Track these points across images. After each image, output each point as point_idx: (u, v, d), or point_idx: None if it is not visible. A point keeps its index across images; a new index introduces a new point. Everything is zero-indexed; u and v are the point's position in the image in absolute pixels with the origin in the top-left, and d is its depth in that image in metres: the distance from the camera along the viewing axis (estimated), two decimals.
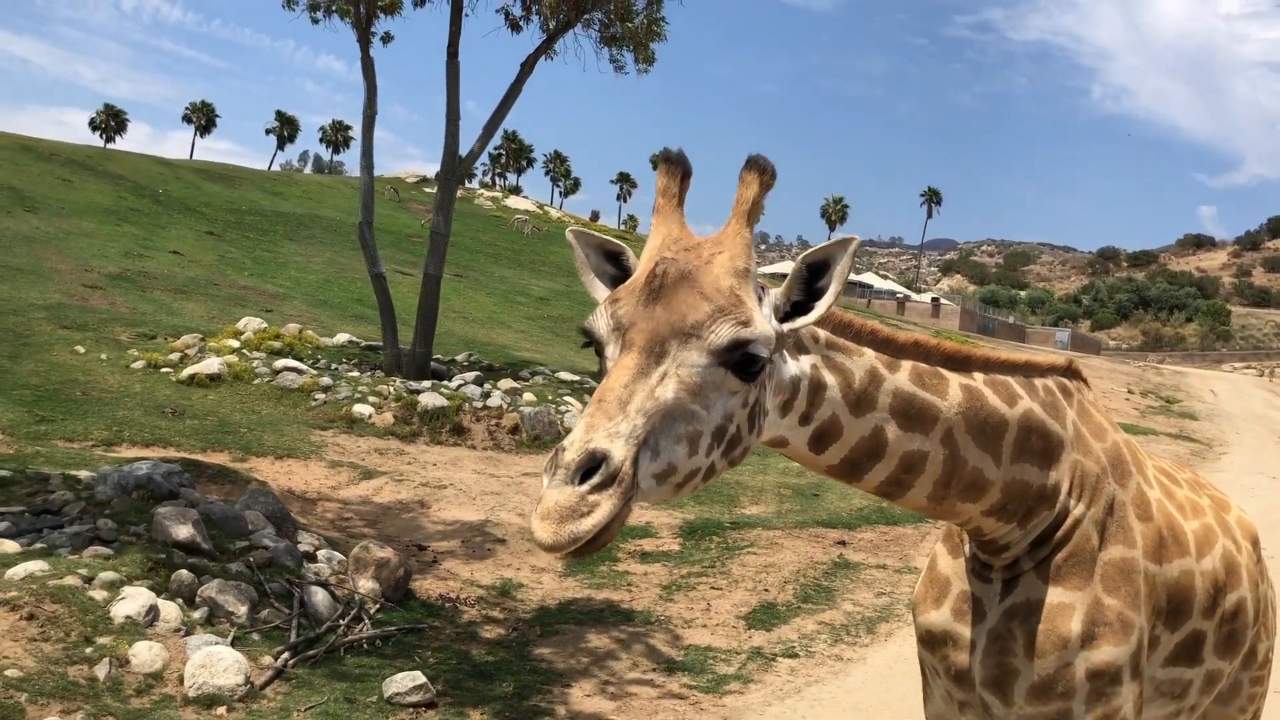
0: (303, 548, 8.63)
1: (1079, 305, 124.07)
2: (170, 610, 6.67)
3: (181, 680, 6.11)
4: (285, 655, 6.76)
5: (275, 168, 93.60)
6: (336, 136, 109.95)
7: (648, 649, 8.05)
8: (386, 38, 21.07)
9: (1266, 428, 29.69)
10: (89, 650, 6.05)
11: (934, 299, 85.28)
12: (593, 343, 2.26)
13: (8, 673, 5.59)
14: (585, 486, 1.91)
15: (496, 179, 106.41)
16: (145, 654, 6.14)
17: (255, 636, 6.98)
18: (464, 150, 19.61)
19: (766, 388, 2.27)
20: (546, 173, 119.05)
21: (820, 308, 2.26)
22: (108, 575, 6.76)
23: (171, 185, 44.68)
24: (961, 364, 2.69)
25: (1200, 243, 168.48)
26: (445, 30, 19.57)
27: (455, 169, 19.57)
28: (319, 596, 7.73)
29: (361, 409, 15.14)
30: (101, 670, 5.91)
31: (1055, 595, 2.70)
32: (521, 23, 20.63)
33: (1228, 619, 3.09)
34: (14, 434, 11.85)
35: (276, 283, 29.29)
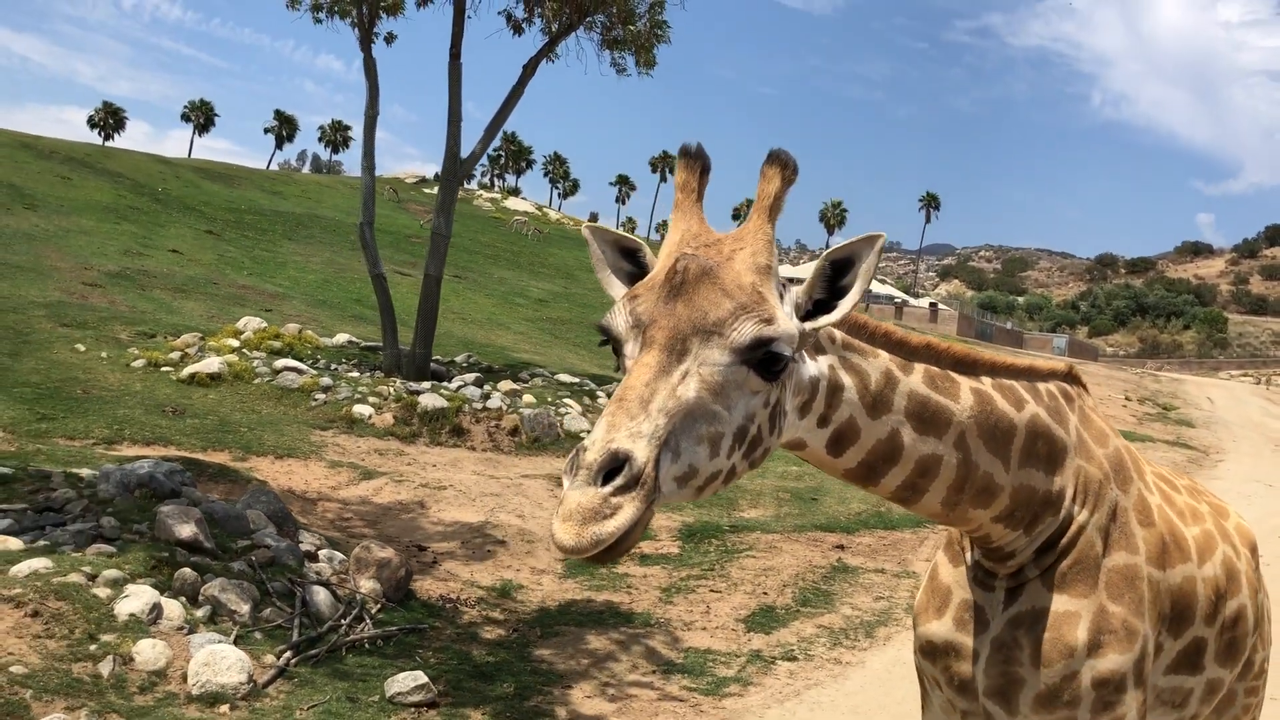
0: (304, 547, 8.65)
1: (1077, 311, 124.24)
2: (173, 608, 6.69)
3: (185, 678, 6.13)
4: (288, 654, 6.79)
5: (274, 167, 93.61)
6: (336, 136, 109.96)
7: (647, 651, 8.08)
8: (390, 38, 21.10)
9: (1263, 435, 29.76)
10: (93, 647, 6.07)
11: (932, 304, 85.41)
12: (610, 340, 2.21)
13: (12, 669, 5.61)
14: (608, 488, 1.87)
15: (495, 180, 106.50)
16: (149, 652, 6.16)
17: (257, 635, 7.01)
18: (464, 152, 19.65)
19: (787, 388, 2.23)
20: (545, 174, 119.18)
21: (844, 306, 2.23)
22: (111, 573, 6.79)
23: (171, 184, 44.69)
24: (970, 367, 2.67)
25: (1198, 250, 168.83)
26: (446, 31, 19.63)
27: (457, 170, 19.60)
28: (320, 596, 7.76)
29: (361, 409, 15.17)
30: (105, 667, 5.94)
31: (1061, 603, 2.67)
32: (524, 25, 20.67)
33: (1228, 626, 3.07)
34: (15, 431, 11.87)
35: (275, 282, 29.32)
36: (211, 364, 15.99)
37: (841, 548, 11.75)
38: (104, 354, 16.40)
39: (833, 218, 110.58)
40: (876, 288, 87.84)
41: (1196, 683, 3.01)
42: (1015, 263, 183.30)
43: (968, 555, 2.88)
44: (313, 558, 8.59)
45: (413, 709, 6.39)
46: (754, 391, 2.12)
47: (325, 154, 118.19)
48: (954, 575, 2.92)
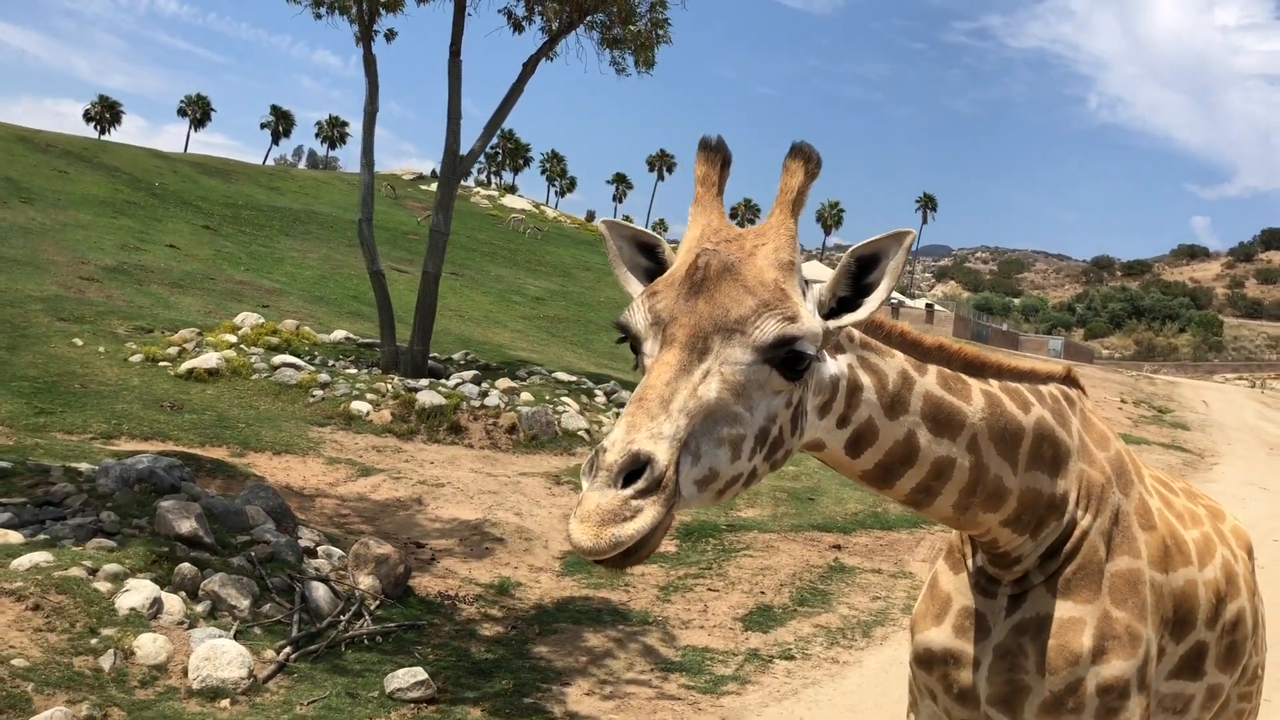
0: (303, 543, 8.66)
1: (1072, 313, 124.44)
2: (174, 603, 6.71)
3: (185, 672, 6.15)
4: (287, 649, 6.80)
5: (270, 162, 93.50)
6: (333, 132, 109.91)
7: (645, 649, 8.10)
8: (390, 35, 21.11)
9: (1258, 439, 29.84)
10: (94, 641, 6.09)
11: (928, 305, 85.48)
12: (628, 338, 2.17)
13: (14, 662, 5.63)
14: (629, 490, 1.82)
15: (492, 178, 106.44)
16: (150, 646, 6.18)
17: (257, 630, 7.02)
18: (463, 149, 19.65)
19: (809, 387, 2.19)
20: (543, 172, 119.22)
21: (870, 305, 2.19)
22: (112, 567, 6.80)
23: (168, 178, 44.63)
24: (979, 369, 2.64)
25: (1194, 253, 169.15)
26: (443, 28, 19.67)
27: (456, 168, 19.61)
28: (320, 592, 7.78)
29: (359, 406, 15.17)
30: (106, 661, 5.95)
31: (1065, 609, 2.65)
32: (524, 23, 20.68)
33: (1228, 630, 3.06)
34: (13, 425, 11.86)
35: (273, 278, 29.30)
36: (209, 359, 15.99)
37: (838, 548, 11.78)
38: (101, 349, 16.39)
39: (830, 218, 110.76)
40: None
41: (1198, 688, 2.99)
42: (1011, 264, 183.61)
43: (969, 561, 2.86)
44: (311, 554, 8.60)
45: (412, 705, 6.41)
46: (776, 391, 2.07)
47: (322, 150, 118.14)
48: (954, 582, 2.89)
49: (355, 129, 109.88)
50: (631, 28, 20.12)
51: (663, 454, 1.86)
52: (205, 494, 8.88)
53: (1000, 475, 2.58)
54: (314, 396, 15.45)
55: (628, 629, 8.51)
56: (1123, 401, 34.52)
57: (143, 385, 14.89)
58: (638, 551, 1.84)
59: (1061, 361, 3.49)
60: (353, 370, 17.52)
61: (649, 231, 2.39)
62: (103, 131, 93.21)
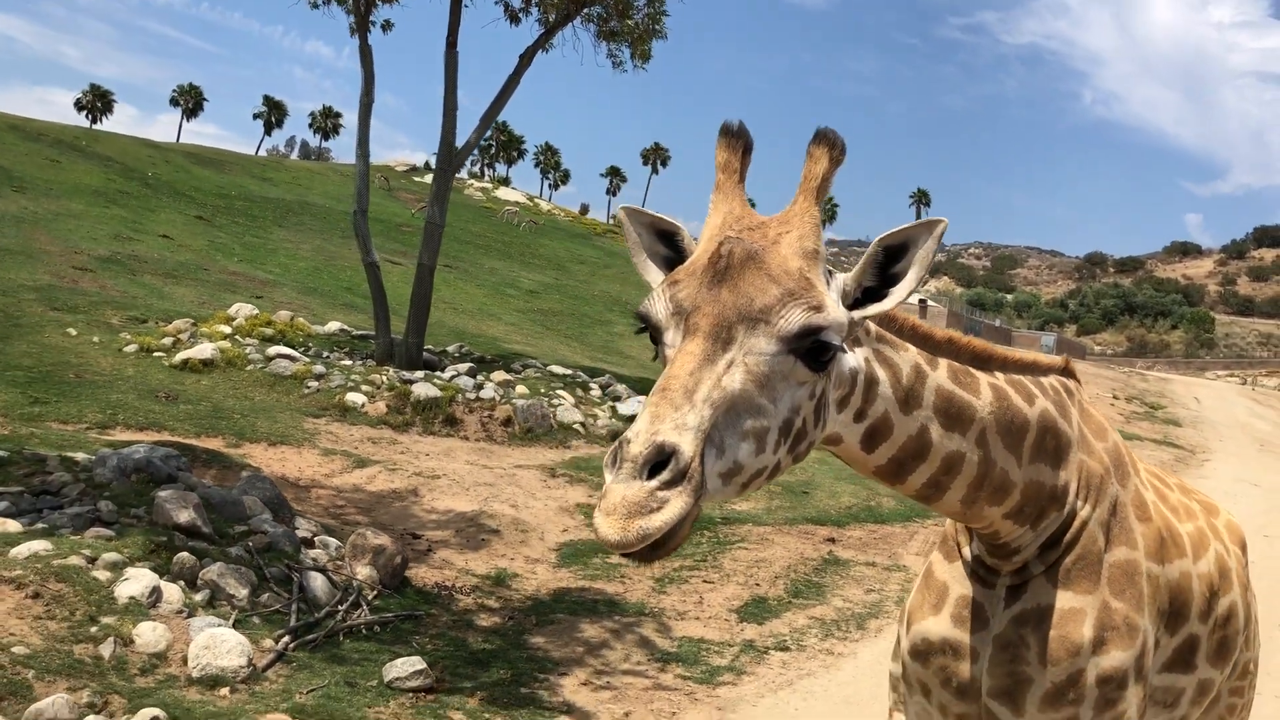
0: (300, 534, 8.69)
1: (1065, 310, 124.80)
2: (172, 592, 6.73)
3: (185, 660, 6.17)
4: (286, 639, 6.83)
5: (262, 153, 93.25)
6: (326, 123, 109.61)
7: (641, 640, 8.14)
8: (386, 25, 21.07)
9: (1249, 435, 29.99)
10: (94, 629, 6.11)
11: (921, 300, 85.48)
12: (649, 328, 2.13)
13: (14, 650, 5.64)
14: (654, 482, 1.79)
15: (486, 170, 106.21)
16: (149, 634, 6.20)
17: (255, 620, 7.05)
18: (459, 141, 19.63)
19: (831, 379, 2.14)
20: (536, 164, 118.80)
21: (897, 295, 2.14)
22: (110, 556, 6.82)
23: (160, 168, 44.47)
24: (985, 363, 2.62)
25: (1187, 250, 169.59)
26: (438, 19, 19.71)
27: (452, 160, 19.59)
28: (317, 582, 7.80)
29: (354, 397, 15.18)
30: (106, 649, 5.97)
31: (1066, 600, 2.64)
32: (520, 15, 20.66)
33: (1221, 624, 3.05)
34: (8, 415, 11.86)
35: (266, 269, 29.25)
36: (204, 350, 15.98)
37: (832, 540, 11.84)
38: (95, 338, 16.36)
39: (823, 213, 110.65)
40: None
41: (1189, 682, 2.99)
42: (1005, 260, 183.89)
43: (965, 551, 2.84)
44: (309, 544, 8.63)
45: (411, 694, 6.44)
46: (800, 383, 2.04)
47: (314, 140, 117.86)
48: (950, 572, 2.86)
49: (349, 120, 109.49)
50: (629, 21, 20.11)
51: (688, 445, 1.83)
52: (202, 484, 8.90)
53: (1006, 469, 2.57)
54: (309, 388, 15.46)
55: (624, 620, 8.54)
56: (1115, 398, 34.64)
57: (137, 375, 14.88)
58: (666, 543, 1.81)
59: (1060, 355, 3.44)
60: (347, 362, 17.51)
61: (669, 219, 2.35)
62: (94, 121, 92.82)
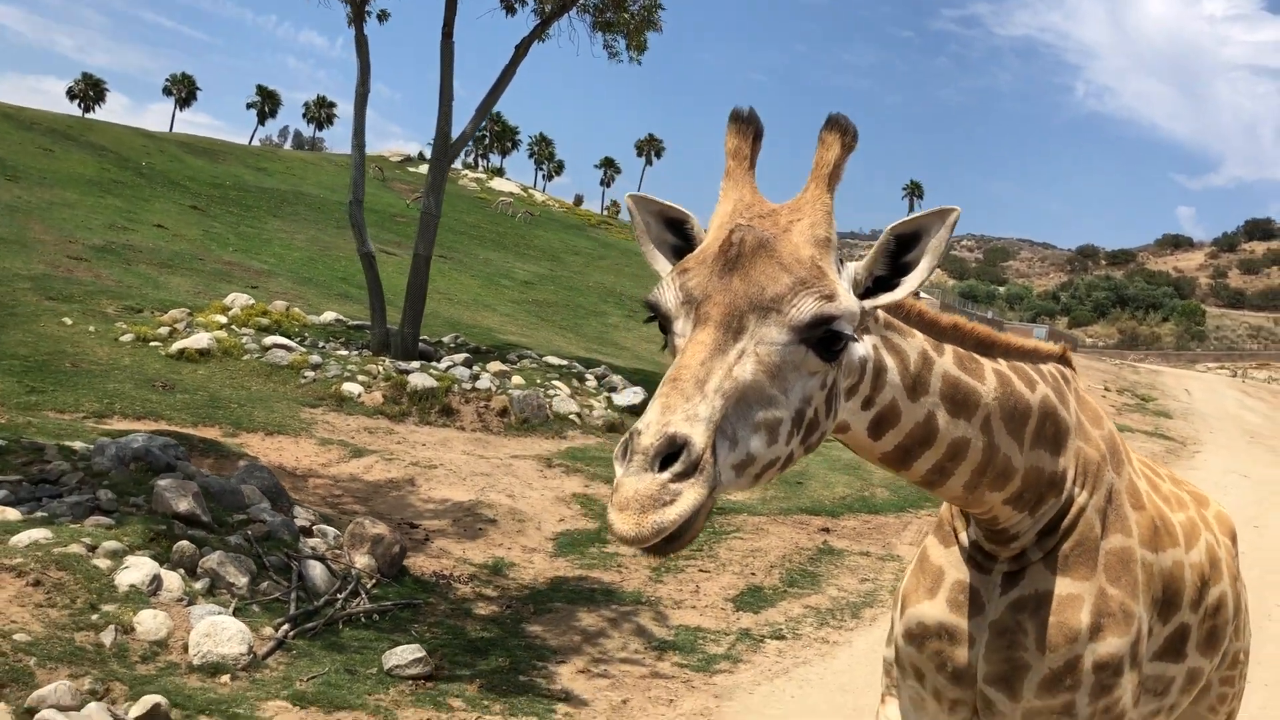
0: (298, 523, 8.73)
1: (1057, 302, 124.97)
2: (173, 580, 6.77)
3: (186, 648, 6.22)
4: (285, 627, 6.87)
5: (256, 143, 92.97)
6: (320, 113, 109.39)
7: (638, 628, 8.20)
8: (383, 16, 21.03)
9: (1239, 427, 30.16)
10: (95, 617, 6.14)
11: (913, 293, 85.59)
12: (658, 317, 2.10)
13: (16, 637, 5.68)
14: (667, 474, 1.77)
15: (480, 160, 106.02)
16: (150, 622, 6.24)
17: (255, 608, 7.09)
18: (454, 132, 19.61)
19: (842, 368, 2.12)
20: (531, 155, 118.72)
21: (909, 284, 2.13)
22: (110, 544, 6.85)
23: (154, 158, 44.35)
24: (989, 348, 2.61)
25: (1178, 243, 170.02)
26: (433, 10, 19.65)
27: (448, 151, 19.58)
28: (316, 570, 7.84)
29: (351, 388, 15.20)
30: (107, 637, 6.01)
31: (1064, 586, 2.64)
32: (516, 5, 20.63)
33: (1210, 614, 3.07)
34: (4, 404, 11.85)
35: (261, 259, 29.20)
36: (200, 340, 15.98)
37: (827, 530, 11.92)
38: (91, 328, 16.35)
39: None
40: None
41: (1178, 671, 3.00)
42: (997, 252, 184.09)
43: (961, 536, 2.84)
44: (307, 533, 8.67)
45: (410, 681, 6.49)
46: (812, 373, 2.02)
47: (308, 130, 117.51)
48: (946, 557, 2.86)
49: (342, 110, 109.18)
50: (625, 13, 20.10)
51: (699, 436, 1.81)
52: (200, 473, 8.92)
53: (1009, 455, 2.57)
54: (305, 378, 15.48)
55: (620, 609, 8.60)
56: (1106, 390, 34.79)
57: (134, 365, 14.88)
58: (682, 536, 1.80)
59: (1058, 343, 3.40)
60: (343, 352, 17.53)
61: (678, 206, 2.32)
62: (87, 110, 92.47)
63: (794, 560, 10.48)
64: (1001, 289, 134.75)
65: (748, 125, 2.15)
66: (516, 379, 16.91)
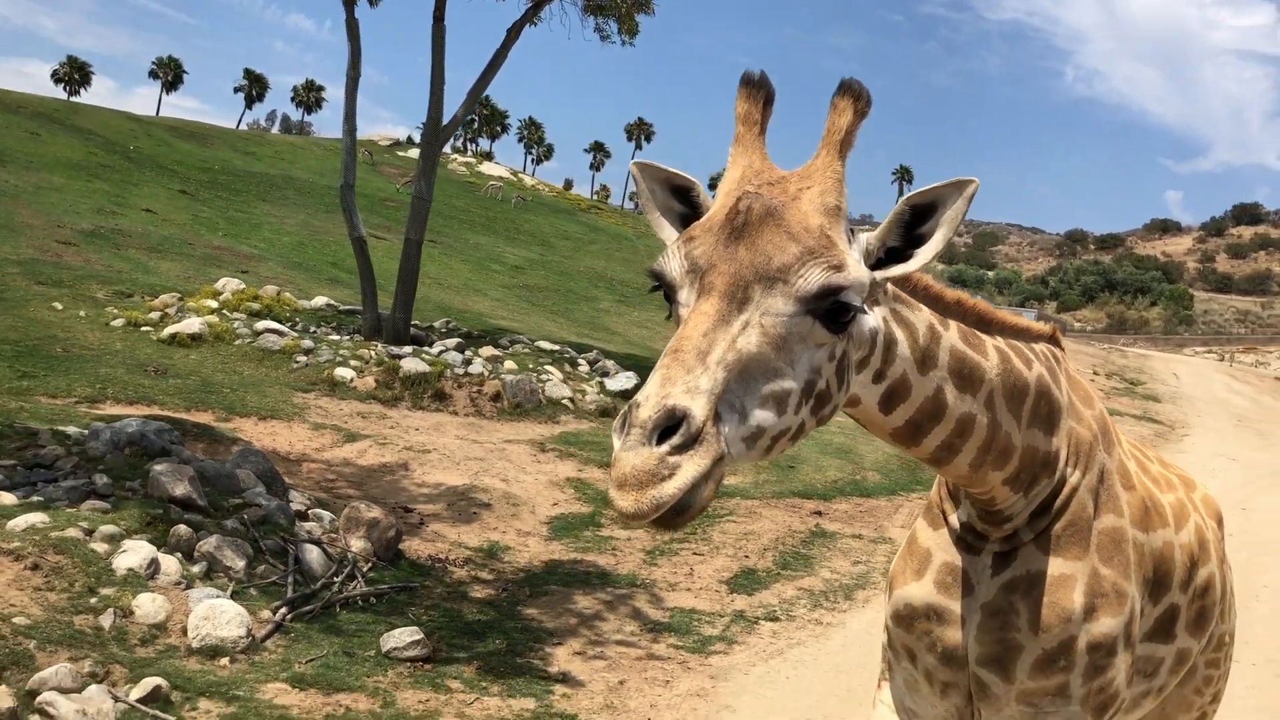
0: (294, 507, 8.74)
1: (1046, 286, 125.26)
2: (170, 564, 6.79)
3: (185, 631, 6.24)
4: (283, 610, 6.90)
5: (243, 127, 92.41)
6: (309, 97, 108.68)
7: (633, 611, 8.26)
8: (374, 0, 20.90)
9: (1226, 411, 30.37)
10: (93, 600, 6.16)
11: None
12: (662, 286, 2.05)
13: (15, 620, 5.70)
14: (664, 447, 1.74)
15: (469, 145, 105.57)
16: (148, 605, 6.26)
17: (253, 591, 7.11)
18: (445, 116, 19.54)
19: (852, 340, 2.08)
20: (520, 139, 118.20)
21: (922, 256, 2.07)
22: (108, 529, 6.86)
23: (142, 142, 44.06)
24: (988, 325, 2.59)
25: (1166, 227, 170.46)
26: None
27: (439, 135, 19.52)
28: (313, 554, 7.87)
29: (343, 372, 15.19)
30: (106, 620, 6.03)
31: (1056, 566, 2.62)
32: None
33: (1199, 594, 3.08)
34: None
35: (251, 244, 29.09)
36: (192, 324, 15.95)
37: (819, 514, 11.99)
38: (82, 313, 16.29)
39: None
40: None
41: (1168, 651, 3.00)
42: (986, 237, 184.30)
43: (950, 518, 2.81)
44: (303, 517, 8.69)
45: (408, 663, 6.53)
46: (819, 345, 1.98)
47: (296, 114, 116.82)
48: (935, 538, 2.84)
49: (331, 94, 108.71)
50: None
51: (699, 408, 1.77)
52: (195, 458, 8.93)
53: (1010, 432, 2.54)
54: (298, 362, 15.46)
55: (616, 591, 8.66)
56: (1095, 373, 34.95)
57: (126, 350, 14.84)
58: (687, 509, 1.76)
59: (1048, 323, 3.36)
60: (335, 337, 17.51)
61: (684, 174, 2.26)
62: (72, 93, 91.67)
63: (787, 543, 10.55)
64: (990, 273, 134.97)
65: (758, 90, 2.09)
66: (509, 364, 16.92)
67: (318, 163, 51.93)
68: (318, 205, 38.38)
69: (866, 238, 2.12)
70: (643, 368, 17.74)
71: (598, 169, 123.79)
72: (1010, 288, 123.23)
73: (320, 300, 21.12)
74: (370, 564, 8.20)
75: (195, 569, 6.99)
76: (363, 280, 18.98)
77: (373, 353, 15.99)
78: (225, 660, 6.14)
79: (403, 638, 6.62)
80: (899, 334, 2.28)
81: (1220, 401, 32.94)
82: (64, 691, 5.15)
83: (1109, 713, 2.71)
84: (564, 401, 16.12)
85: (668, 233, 2.22)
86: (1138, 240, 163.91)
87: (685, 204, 2.26)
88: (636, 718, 6.29)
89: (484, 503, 10.78)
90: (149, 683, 5.45)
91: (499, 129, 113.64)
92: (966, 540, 2.75)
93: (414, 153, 58.92)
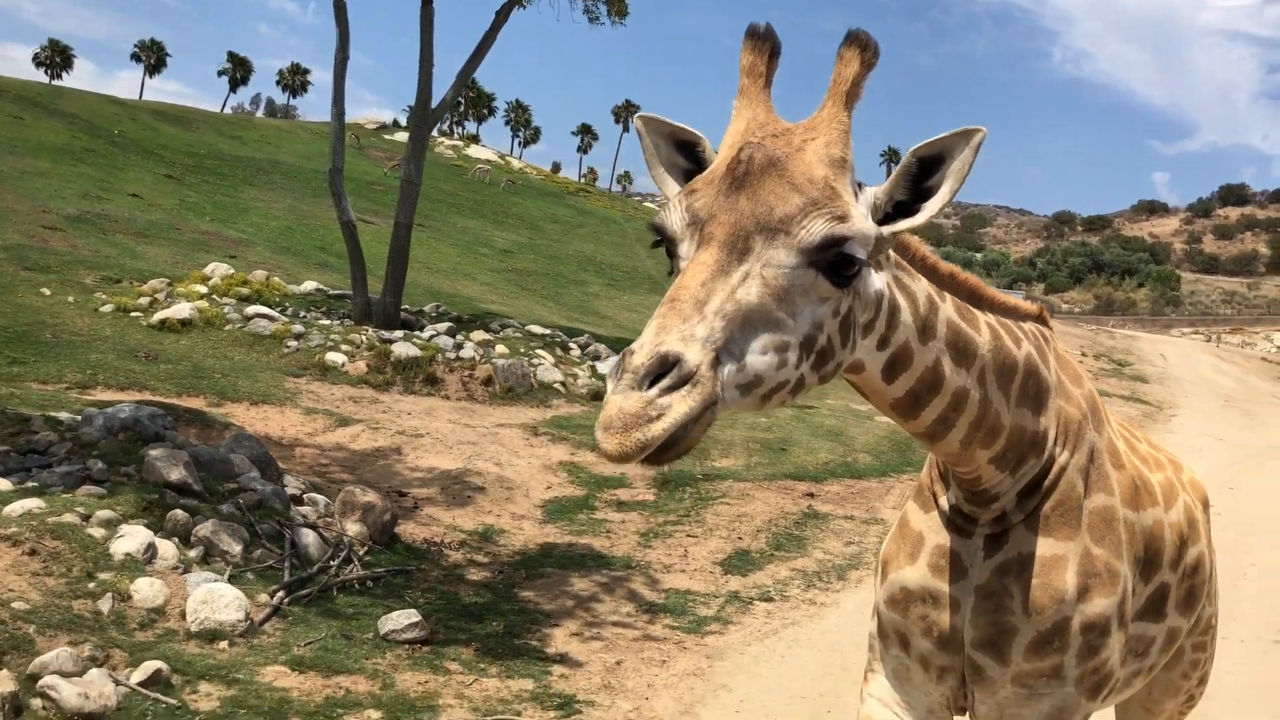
0: (289, 491, 8.75)
1: (1034, 268, 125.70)
2: (167, 548, 6.80)
3: (183, 615, 6.26)
4: (280, 594, 6.92)
5: (228, 110, 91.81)
6: (294, 80, 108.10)
7: (629, 592, 8.31)
8: None
9: (1213, 392, 30.57)
10: (91, 585, 6.17)
11: None
12: (664, 240, 2.01)
13: (14, 605, 5.70)
14: (654, 390, 1.71)
15: (455, 127, 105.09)
16: (147, 589, 6.28)
17: (250, 575, 7.13)
18: (434, 99, 19.46)
19: (859, 297, 2.05)
20: (507, 122, 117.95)
21: (930, 209, 2.04)
22: (104, 514, 6.87)
23: (127, 126, 43.71)
24: (979, 301, 2.56)
25: (1153, 209, 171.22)
26: None
27: (428, 118, 19.44)
28: (309, 538, 7.88)
29: (334, 357, 15.18)
30: (105, 605, 6.05)
31: (1047, 547, 2.60)
32: None
33: (1189, 574, 3.08)
34: None
35: (238, 228, 28.96)
36: (182, 310, 15.90)
37: (811, 495, 12.06)
38: (70, 298, 16.22)
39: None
40: None
41: (1159, 630, 3.00)
42: (974, 219, 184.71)
43: (941, 501, 2.78)
44: (298, 501, 8.70)
45: (406, 645, 6.57)
46: (822, 299, 1.95)
47: (281, 98, 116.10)
48: (926, 522, 2.80)
49: (317, 77, 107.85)
50: None
51: (693, 354, 1.75)
52: (189, 443, 8.92)
53: (999, 410, 2.51)
54: (289, 347, 15.44)
55: (611, 574, 8.70)
56: (1083, 355, 35.13)
57: (115, 335, 14.78)
58: (674, 446, 1.74)
59: (1036, 303, 3.35)
60: (326, 321, 17.48)
61: (689, 128, 2.22)
62: (54, 77, 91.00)
63: (780, 525, 10.61)
64: (979, 255, 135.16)
65: (764, 41, 2.05)
66: (500, 348, 16.92)
67: (304, 146, 51.62)
68: (305, 189, 38.18)
69: (873, 191, 2.09)
70: None
71: (585, 151, 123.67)
72: (998, 269, 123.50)
73: (310, 285, 21.07)
74: (366, 548, 8.22)
75: (192, 553, 7.00)
76: (352, 265, 18.91)
77: (364, 337, 15.97)
78: (224, 644, 6.17)
79: (400, 620, 6.66)
80: (902, 301, 2.25)
81: (1207, 382, 33.16)
82: (65, 675, 5.17)
83: (1103, 693, 2.71)
84: (556, 385, 16.14)
85: (671, 188, 2.18)
86: (1125, 222, 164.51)
87: (690, 159, 2.22)
88: (634, 697, 6.34)
89: (478, 486, 10.80)
90: (149, 666, 5.47)
91: (486, 112, 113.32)
92: (957, 523, 2.73)
93: (400, 136, 58.54)
